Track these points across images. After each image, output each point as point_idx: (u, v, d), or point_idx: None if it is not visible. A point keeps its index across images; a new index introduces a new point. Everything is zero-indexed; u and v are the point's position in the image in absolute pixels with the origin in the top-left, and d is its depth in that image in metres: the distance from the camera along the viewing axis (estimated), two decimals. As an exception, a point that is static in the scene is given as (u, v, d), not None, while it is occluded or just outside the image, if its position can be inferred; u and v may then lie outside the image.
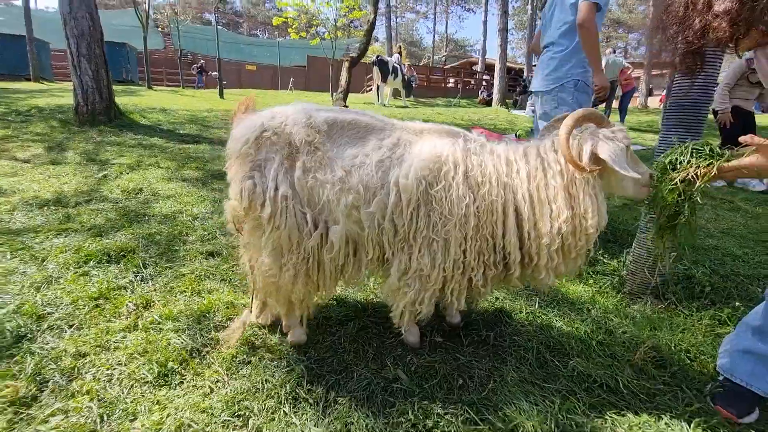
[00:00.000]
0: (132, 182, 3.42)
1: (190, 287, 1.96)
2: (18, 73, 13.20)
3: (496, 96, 14.43)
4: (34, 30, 12.70)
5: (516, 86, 17.44)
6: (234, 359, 1.52)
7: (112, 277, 2.00)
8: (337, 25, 14.36)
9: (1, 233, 2.41)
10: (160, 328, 1.66)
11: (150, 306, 1.82)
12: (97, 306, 1.80)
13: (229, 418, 1.27)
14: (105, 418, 1.26)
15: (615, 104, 10.76)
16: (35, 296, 1.83)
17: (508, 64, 15.85)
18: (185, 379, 1.43)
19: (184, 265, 2.18)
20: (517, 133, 7.62)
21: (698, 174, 1.26)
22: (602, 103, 8.59)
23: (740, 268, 2.45)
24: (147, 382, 1.40)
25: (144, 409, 1.30)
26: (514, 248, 1.39)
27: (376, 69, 12.81)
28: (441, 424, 1.29)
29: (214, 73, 22.50)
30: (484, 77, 20.35)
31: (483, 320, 1.83)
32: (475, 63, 23.67)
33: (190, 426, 1.24)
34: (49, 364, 1.45)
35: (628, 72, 10.00)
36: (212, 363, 1.51)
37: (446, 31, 41.03)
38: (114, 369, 1.45)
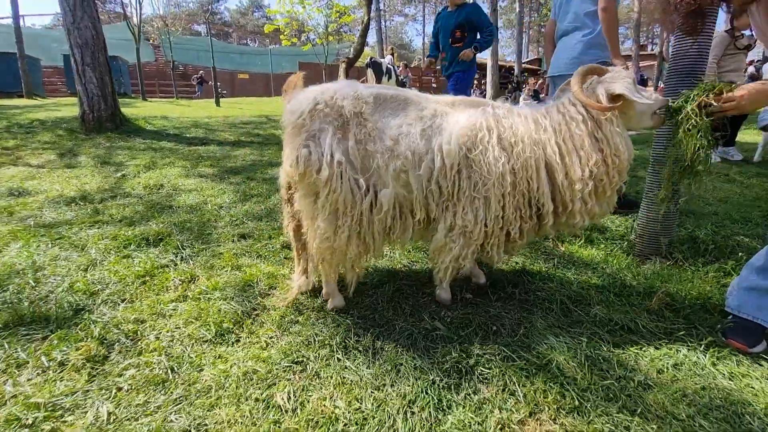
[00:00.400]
0: (152, 179, 3.53)
1: (229, 263, 2.07)
2: (9, 90, 13.17)
3: (489, 92, 14.65)
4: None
5: (507, 83, 17.71)
6: (283, 319, 1.64)
7: (154, 258, 2.11)
8: (328, 30, 14.58)
9: (36, 227, 2.51)
10: (209, 298, 1.78)
11: (195, 280, 1.93)
12: (144, 283, 1.91)
13: (289, 365, 1.39)
14: (175, 368, 1.37)
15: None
16: (84, 276, 1.93)
17: (498, 62, 16.10)
18: (240, 337, 1.55)
19: (219, 245, 2.30)
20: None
21: (708, 102, 1.43)
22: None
23: (739, 229, 2.60)
24: (207, 340, 1.52)
25: (208, 362, 1.41)
26: (547, 199, 1.53)
27: (370, 71, 12.97)
28: (482, 360, 1.41)
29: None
30: (475, 76, 20.59)
31: (507, 279, 1.96)
32: (466, 63, 23.86)
33: (255, 372, 1.35)
34: (112, 329, 1.56)
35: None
36: (264, 323, 1.62)
37: (435, 33, 41.37)
38: (174, 331, 1.56)
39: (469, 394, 1.28)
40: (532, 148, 1.51)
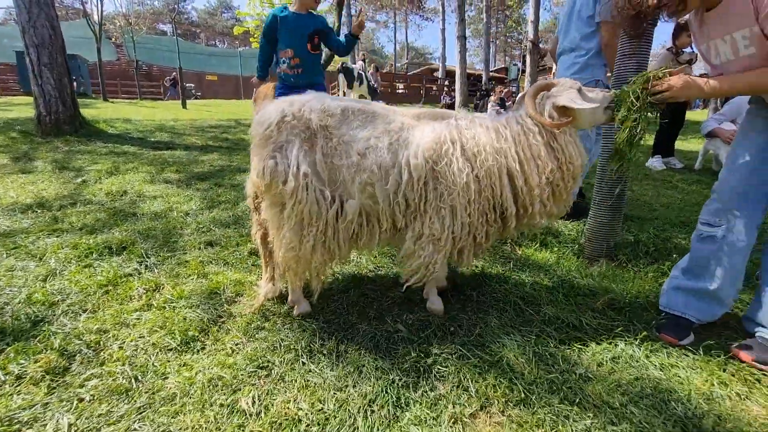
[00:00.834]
0: (114, 185, 3.44)
1: (195, 271, 2.08)
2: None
3: (458, 99, 15.04)
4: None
5: (476, 91, 18.23)
6: (249, 326, 1.68)
7: (117, 267, 2.09)
8: (301, 34, 14.50)
9: (-11, 236, 2.41)
10: (174, 306, 1.78)
11: (160, 289, 1.93)
12: (106, 292, 1.89)
13: (254, 370, 1.43)
14: (139, 377, 1.38)
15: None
16: (43, 286, 1.89)
17: (467, 70, 16.59)
18: (206, 345, 1.58)
19: (185, 253, 2.30)
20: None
21: (646, 86, 1.60)
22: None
23: (679, 233, 2.85)
24: (171, 349, 1.53)
25: (173, 370, 1.43)
26: (510, 203, 1.64)
27: (341, 76, 13.05)
28: (439, 359, 1.51)
29: (189, 85, 22.08)
30: (445, 83, 21.13)
31: (466, 282, 2.08)
32: (436, 69, 24.50)
33: (220, 378, 1.39)
34: (74, 340, 1.55)
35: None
36: (230, 330, 1.65)
37: (406, 40, 42.15)
38: (138, 341, 1.57)
39: (426, 392, 1.37)
40: (494, 156, 1.61)
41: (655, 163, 5.14)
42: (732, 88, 1.51)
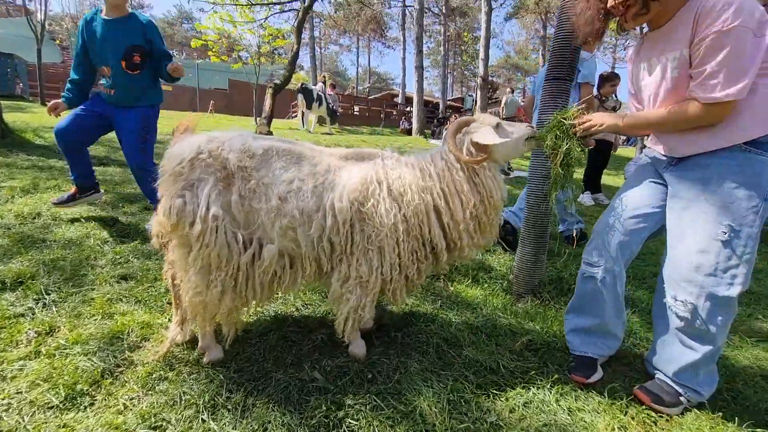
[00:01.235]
0: (27, 206, 3.13)
1: (100, 311, 1.90)
2: None
3: (415, 126, 15.52)
4: None
5: (433, 118, 18.90)
6: (150, 376, 1.55)
7: (7, 305, 1.87)
8: (261, 51, 14.40)
9: None
10: (67, 353, 1.61)
11: (55, 332, 1.74)
12: (-13, 337, 1.68)
13: (145, 431, 1.31)
14: (4, 444, 1.22)
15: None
16: None
17: (425, 97, 17.22)
18: (96, 400, 1.43)
19: (93, 289, 2.10)
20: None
21: (567, 119, 1.72)
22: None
23: (599, 270, 3.03)
24: (52, 407, 1.37)
25: (49, 432, 1.28)
26: (439, 239, 1.65)
27: (300, 96, 13.04)
28: (351, 412, 1.46)
29: None
30: (405, 109, 21.75)
31: (393, 323, 2.07)
32: (396, 95, 25.20)
33: (103, 441, 1.25)
34: (-69, 399, 1.34)
35: (522, 110, 11.59)
36: (127, 382, 1.51)
37: (369, 64, 43.21)
38: (13, 398, 1.39)
39: (332, 450, 1.31)
40: (420, 195, 1.63)
41: (585, 199, 5.52)
42: (646, 120, 1.61)
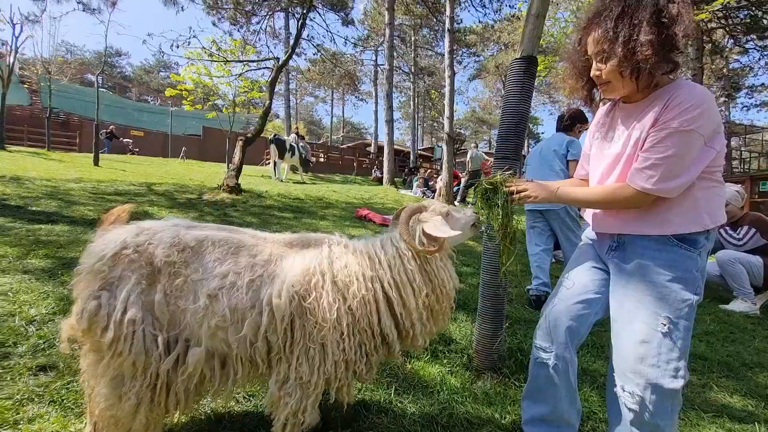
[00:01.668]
0: (-53, 278, 2.85)
1: (2, 419, 1.66)
2: None
3: (386, 176, 15.89)
4: None
5: (404, 167, 19.49)
6: (49, 505, 1.33)
7: None
8: (236, 101, 14.64)
9: None
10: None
11: (-59, 448, 1.50)
12: None
13: None
14: None
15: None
16: None
17: (397, 147, 17.85)
18: None
19: (1, 388, 1.86)
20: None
21: (498, 183, 1.72)
22: (471, 187, 10.16)
23: (559, 339, 3.01)
24: None
25: None
26: (391, 330, 1.57)
27: (273, 147, 13.18)
28: None
29: (126, 140, 20.78)
30: (378, 158, 22.39)
31: (342, 417, 1.92)
32: (369, 144, 26.00)
33: None
34: None
35: (488, 162, 12.14)
36: None
37: (343, 115, 44.88)
38: None
39: None
40: (367, 285, 1.56)
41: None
42: (576, 198, 1.65)
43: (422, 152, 25.56)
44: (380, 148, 22.76)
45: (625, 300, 1.58)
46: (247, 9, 18.46)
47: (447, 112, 12.09)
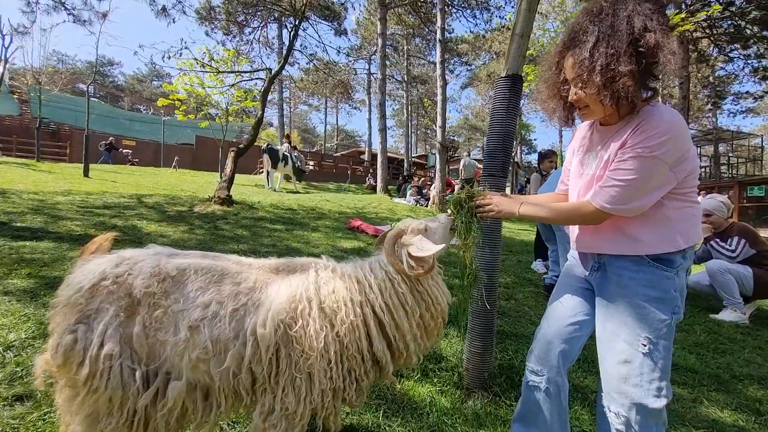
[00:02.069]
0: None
1: (-24, 452, 1.61)
2: None
3: (379, 185, 15.90)
4: None
5: (399, 175, 19.53)
6: None
7: None
8: (229, 110, 14.62)
9: None
10: None
11: None
12: None
13: None
14: None
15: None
16: None
17: (391, 155, 17.91)
18: None
19: (-26, 420, 1.80)
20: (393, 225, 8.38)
21: (464, 199, 1.74)
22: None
23: (550, 354, 2.99)
24: None
25: None
26: (383, 353, 1.54)
27: (266, 157, 13.15)
28: None
29: (125, 151, 20.66)
30: (372, 166, 22.45)
31: (328, 442, 1.88)
32: (363, 152, 26.07)
33: None
34: None
35: (481, 171, 12.24)
36: None
37: (337, 123, 45.06)
38: None
39: None
40: (356, 310, 1.53)
41: (538, 266, 5.66)
42: (540, 214, 1.64)
43: (416, 159, 25.73)
44: (374, 156, 22.87)
45: (607, 320, 1.57)
46: (239, 19, 18.55)
47: (439, 122, 12.19)
